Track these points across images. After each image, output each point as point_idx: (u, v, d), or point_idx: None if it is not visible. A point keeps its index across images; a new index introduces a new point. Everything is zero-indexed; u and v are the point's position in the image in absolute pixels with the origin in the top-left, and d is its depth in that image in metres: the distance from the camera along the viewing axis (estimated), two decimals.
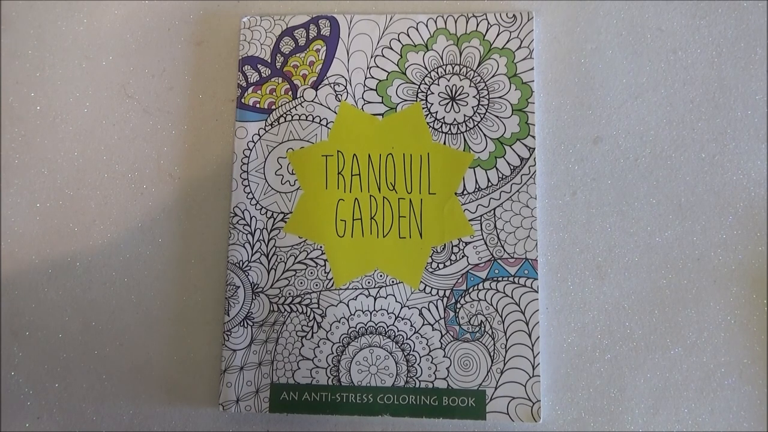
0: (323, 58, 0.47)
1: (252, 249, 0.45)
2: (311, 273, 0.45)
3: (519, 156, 0.45)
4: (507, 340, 0.43)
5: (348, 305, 0.44)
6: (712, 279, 0.45)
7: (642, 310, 0.45)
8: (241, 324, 0.44)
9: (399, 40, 0.47)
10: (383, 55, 0.46)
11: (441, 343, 0.44)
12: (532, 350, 0.43)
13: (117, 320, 0.46)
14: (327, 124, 0.46)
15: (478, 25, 0.46)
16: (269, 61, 0.47)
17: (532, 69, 0.45)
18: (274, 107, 0.46)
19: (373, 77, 0.46)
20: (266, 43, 0.47)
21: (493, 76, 0.46)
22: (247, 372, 0.44)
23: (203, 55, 0.48)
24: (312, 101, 0.46)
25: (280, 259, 0.45)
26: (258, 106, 0.46)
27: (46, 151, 0.47)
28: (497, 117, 0.45)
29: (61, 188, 0.47)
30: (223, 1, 0.48)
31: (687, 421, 0.43)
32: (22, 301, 0.46)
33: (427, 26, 0.47)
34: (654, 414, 0.43)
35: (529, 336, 0.43)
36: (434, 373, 0.43)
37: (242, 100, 0.46)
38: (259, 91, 0.46)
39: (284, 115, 0.46)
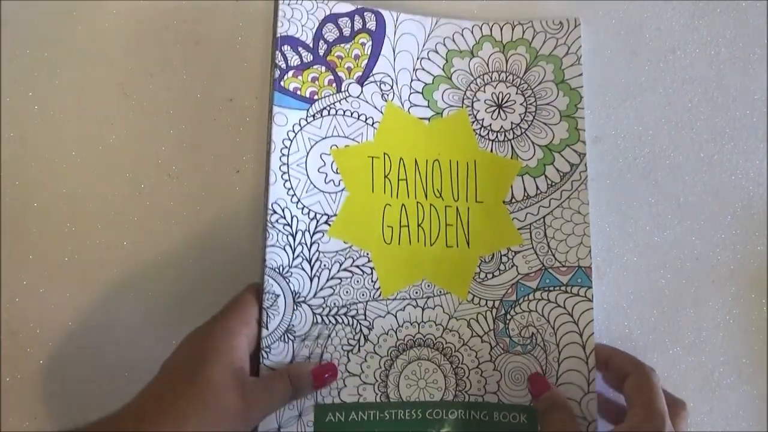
0: (369, 53, 0.44)
1: (293, 253, 0.41)
2: (357, 281, 0.42)
3: (569, 162, 0.43)
4: (560, 353, 0.41)
5: (396, 316, 0.42)
6: (710, 279, 0.45)
7: (640, 309, 0.45)
8: (282, 339, 0.40)
9: (444, 45, 0.45)
10: (429, 59, 0.45)
11: (491, 356, 0.42)
12: (587, 364, 0.40)
13: (116, 321, 0.45)
14: (373, 123, 0.43)
15: (524, 32, 0.45)
16: (311, 46, 0.43)
17: (581, 75, 0.44)
18: (316, 98, 0.43)
19: (419, 80, 0.44)
20: (308, 26, 0.43)
21: (540, 83, 0.44)
22: None
23: (201, 54, 0.48)
24: (357, 97, 0.43)
25: (324, 265, 0.42)
26: (299, 93, 0.43)
27: (45, 150, 0.47)
28: (545, 124, 0.44)
29: (59, 188, 0.47)
30: (221, 1, 0.48)
31: None
32: (20, 301, 0.46)
33: (472, 33, 0.45)
34: None
35: (584, 348, 0.40)
36: (484, 386, 0.42)
37: (282, 83, 0.42)
38: (300, 77, 0.43)
39: (327, 108, 0.43)
